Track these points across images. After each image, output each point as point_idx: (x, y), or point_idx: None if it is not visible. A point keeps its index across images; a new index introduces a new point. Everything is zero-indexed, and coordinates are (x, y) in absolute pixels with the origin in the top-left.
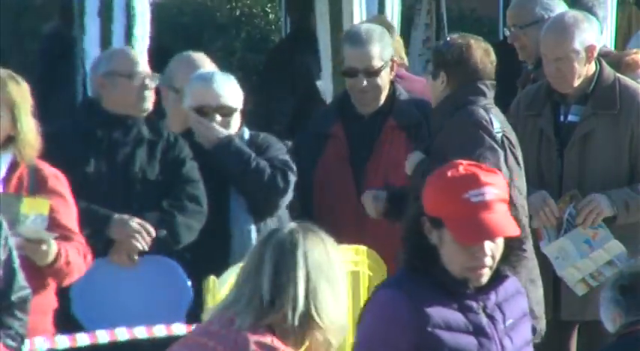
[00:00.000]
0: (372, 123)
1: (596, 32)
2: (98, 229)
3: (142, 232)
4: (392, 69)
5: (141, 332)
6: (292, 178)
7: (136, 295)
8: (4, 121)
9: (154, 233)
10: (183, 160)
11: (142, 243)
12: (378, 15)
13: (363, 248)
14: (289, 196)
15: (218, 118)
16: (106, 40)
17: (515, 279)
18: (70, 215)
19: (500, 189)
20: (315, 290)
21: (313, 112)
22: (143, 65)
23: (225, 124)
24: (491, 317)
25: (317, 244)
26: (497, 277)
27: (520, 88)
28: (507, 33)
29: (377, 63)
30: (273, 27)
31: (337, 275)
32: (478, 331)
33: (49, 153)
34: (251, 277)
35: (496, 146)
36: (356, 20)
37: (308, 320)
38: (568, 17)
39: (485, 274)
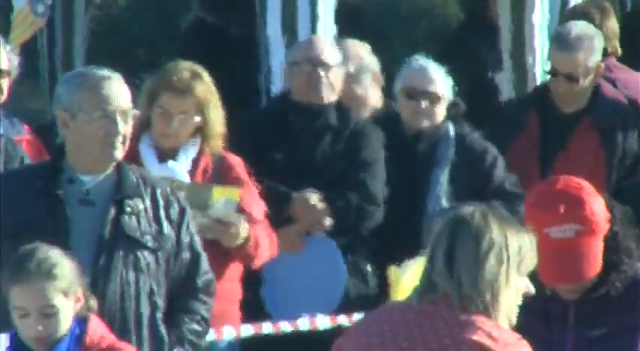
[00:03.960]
0: (568, 119)
1: None
2: (278, 207)
3: (323, 211)
4: (596, 75)
5: (324, 323)
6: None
7: (301, 280)
8: (191, 120)
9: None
10: (364, 147)
11: (325, 222)
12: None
13: None
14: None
15: (423, 104)
16: (289, 30)
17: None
18: (254, 202)
19: None
20: (493, 271)
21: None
22: (322, 53)
23: (430, 112)
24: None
25: (500, 225)
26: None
27: None
28: None
29: (579, 70)
30: (451, 19)
31: (515, 258)
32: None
33: (237, 141)
34: (429, 256)
35: None
36: (537, 12)
37: (484, 300)
38: None
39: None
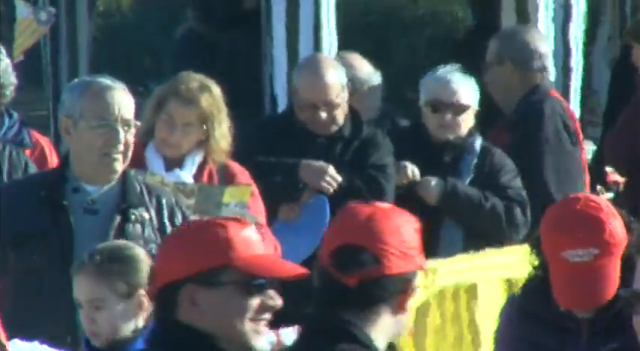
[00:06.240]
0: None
1: None
2: (289, 174)
3: (331, 175)
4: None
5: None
6: (529, 213)
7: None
8: (194, 132)
9: (338, 178)
10: (374, 153)
11: (330, 186)
12: None
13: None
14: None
15: (448, 116)
16: (292, 42)
17: None
18: (258, 209)
19: None
20: None
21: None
22: (326, 93)
23: (455, 123)
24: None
25: None
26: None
27: None
28: None
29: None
30: (458, 25)
31: None
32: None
33: (243, 148)
34: None
35: None
36: (541, 13)
37: None
38: None
39: None
